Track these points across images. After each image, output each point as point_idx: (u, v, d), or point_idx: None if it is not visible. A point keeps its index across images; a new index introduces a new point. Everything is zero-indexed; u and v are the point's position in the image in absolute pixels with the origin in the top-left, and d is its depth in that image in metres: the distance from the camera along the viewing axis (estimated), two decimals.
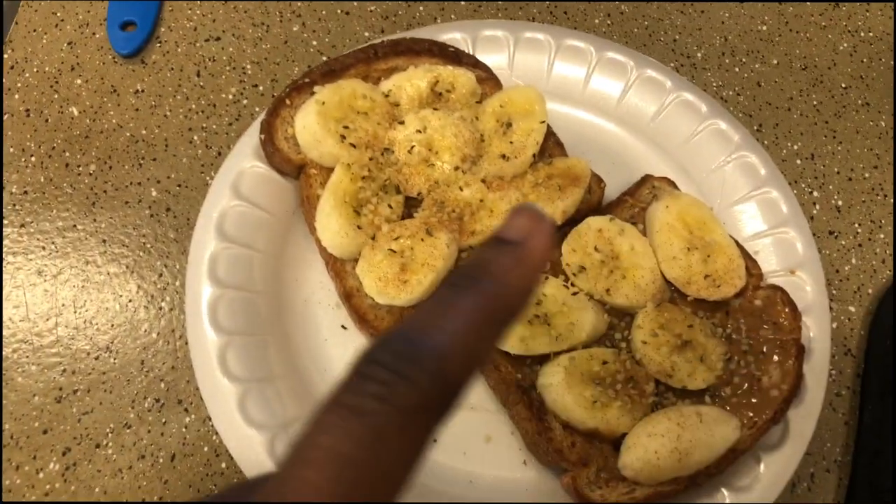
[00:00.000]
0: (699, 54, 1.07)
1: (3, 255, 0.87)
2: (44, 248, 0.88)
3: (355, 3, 1.07)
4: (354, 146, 0.84)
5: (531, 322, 0.78)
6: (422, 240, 0.80)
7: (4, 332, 0.83)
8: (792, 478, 0.78)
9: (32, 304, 0.85)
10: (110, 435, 0.79)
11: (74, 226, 0.89)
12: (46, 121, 0.95)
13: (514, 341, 0.77)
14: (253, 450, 0.73)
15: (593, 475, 0.75)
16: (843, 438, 0.84)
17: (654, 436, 0.73)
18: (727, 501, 0.75)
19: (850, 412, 0.85)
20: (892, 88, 1.06)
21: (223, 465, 0.79)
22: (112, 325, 0.84)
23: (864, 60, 1.08)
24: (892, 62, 1.08)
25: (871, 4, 1.12)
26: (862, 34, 1.10)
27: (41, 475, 0.77)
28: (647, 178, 0.91)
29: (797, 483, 0.81)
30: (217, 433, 0.79)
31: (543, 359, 0.78)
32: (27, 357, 0.82)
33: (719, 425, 0.74)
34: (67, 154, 0.93)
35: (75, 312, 0.85)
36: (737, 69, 1.06)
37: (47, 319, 0.84)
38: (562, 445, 0.75)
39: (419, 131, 0.86)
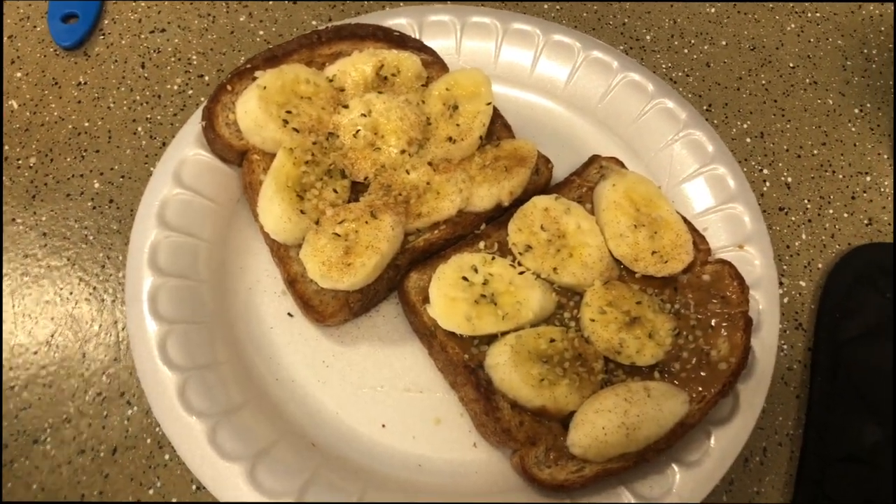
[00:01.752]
0: (648, 37, 1.07)
1: None
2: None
3: None
4: (297, 131, 0.83)
5: (478, 302, 0.77)
6: (366, 223, 0.79)
7: None
8: (744, 452, 0.77)
9: None
10: (48, 430, 0.77)
11: (13, 219, 0.87)
12: None
13: (461, 321, 0.76)
14: (194, 438, 0.72)
15: (542, 454, 0.74)
16: (795, 412, 0.83)
17: (601, 412, 0.72)
18: (677, 476, 0.74)
19: (802, 386, 0.85)
20: (839, 67, 1.07)
21: (166, 456, 0.77)
22: (52, 319, 0.82)
23: (812, 40, 1.09)
24: (839, 41, 1.09)
25: None
26: (809, 14, 1.11)
27: None
28: (594, 159, 0.90)
29: (749, 458, 0.80)
30: (160, 425, 0.78)
31: (491, 339, 0.77)
32: None
33: (667, 400, 0.73)
34: (7, 147, 0.91)
35: (13, 307, 0.82)
36: (686, 51, 1.06)
37: None
38: (510, 425, 0.74)
39: (364, 115, 0.85)
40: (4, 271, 0.84)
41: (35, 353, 0.81)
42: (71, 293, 0.84)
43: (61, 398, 0.79)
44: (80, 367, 0.80)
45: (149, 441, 0.78)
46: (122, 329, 0.83)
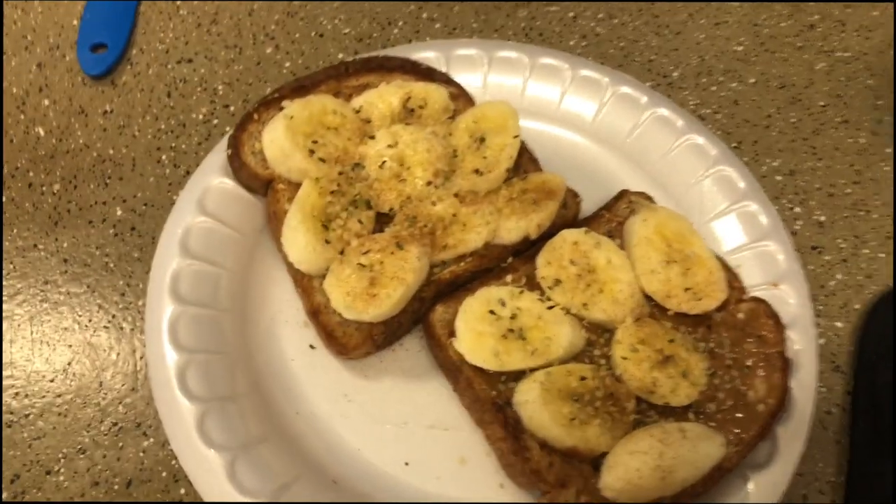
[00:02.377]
0: (675, 74, 1.06)
1: None
2: (1, 268, 0.85)
3: (329, 26, 1.06)
4: (323, 161, 0.82)
5: (505, 336, 0.75)
6: (392, 253, 0.77)
7: None
8: (783, 500, 0.74)
9: None
10: (62, 461, 0.75)
11: (35, 245, 0.87)
12: (11, 141, 0.93)
13: (489, 356, 0.74)
14: (212, 472, 0.69)
15: (573, 497, 0.71)
16: (836, 458, 0.80)
17: (635, 454, 0.69)
18: None
19: (842, 431, 0.81)
20: (870, 106, 1.05)
21: (182, 490, 0.74)
22: (70, 346, 0.81)
23: (842, 79, 1.08)
24: (869, 81, 1.08)
25: (846, 26, 1.12)
26: (838, 54, 1.10)
27: None
28: (624, 193, 0.89)
29: None
30: (176, 458, 0.75)
31: (519, 375, 0.75)
32: None
33: (703, 442, 0.70)
34: (31, 174, 0.91)
35: (32, 333, 0.81)
36: (713, 88, 1.05)
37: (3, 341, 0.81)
38: (539, 466, 0.71)
39: (390, 146, 0.84)
40: (24, 297, 0.83)
41: (51, 380, 0.79)
42: (90, 320, 0.83)
43: (76, 427, 0.77)
44: (97, 396, 0.79)
45: (164, 474, 0.75)
46: (140, 358, 0.81)
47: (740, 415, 0.74)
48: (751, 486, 0.72)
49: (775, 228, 0.87)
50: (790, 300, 0.82)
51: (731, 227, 0.89)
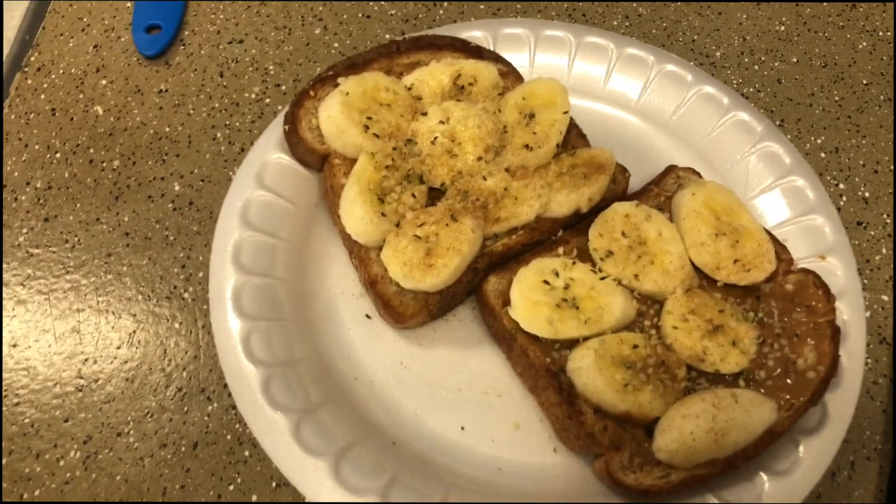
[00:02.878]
0: (718, 53, 1.07)
1: (28, 249, 0.87)
2: (66, 241, 0.88)
3: (376, 7, 1.08)
4: (378, 136, 0.84)
5: (559, 306, 0.76)
6: (447, 225, 0.79)
7: (27, 323, 0.82)
8: (832, 466, 0.75)
9: (55, 296, 0.84)
10: (131, 423, 0.78)
11: (98, 219, 0.89)
12: (71, 119, 0.96)
13: (543, 324, 0.76)
14: (278, 433, 0.72)
15: (627, 459, 0.73)
16: (882, 426, 0.81)
17: (688, 417, 0.71)
18: (766, 485, 0.72)
19: (888, 401, 0.82)
20: None
21: (246, 452, 0.77)
22: (134, 316, 0.84)
23: (885, 58, 1.08)
24: None
25: (888, 5, 1.13)
26: (881, 33, 1.10)
27: (62, 463, 0.75)
28: (671, 168, 0.90)
29: (837, 472, 0.78)
30: (240, 421, 0.78)
31: (572, 344, 0.77)
32: (49, 347, 0.81)
33: (755, 407, 0.72)
34: (91, 150, 0.94)
35: (98, 303, 0.84)
36: (756, 67, 1.06)
37: (70, 311, 0.83)
38: (593, 429, 0.73)
39: (442, 122, 0.86)
40: (89, 269, 0.86)
41: (118, 347, 0.82)
42: (153, 291, 0.85)
43: (143, 392, 0.80)
44: (161, 362, 0.81)
45: (229, 437, 0.78)
46: (202, 328, 0.84)
47: (790, 381, 0.76)
48: (801, 449, 0.74)
49: (822, 202, 0.88)
50: (838, 272, 0.83)
51: (777, 202, 0.90)
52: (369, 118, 0.85)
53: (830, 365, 0.75)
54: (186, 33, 1.04)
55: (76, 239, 0.88)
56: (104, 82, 0.99)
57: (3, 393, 0.79)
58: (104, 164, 0.93)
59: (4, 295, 0.84)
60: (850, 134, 1.01)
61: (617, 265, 0.80)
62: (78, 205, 0.90)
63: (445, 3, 1.09)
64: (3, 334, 0.82)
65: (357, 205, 0.80)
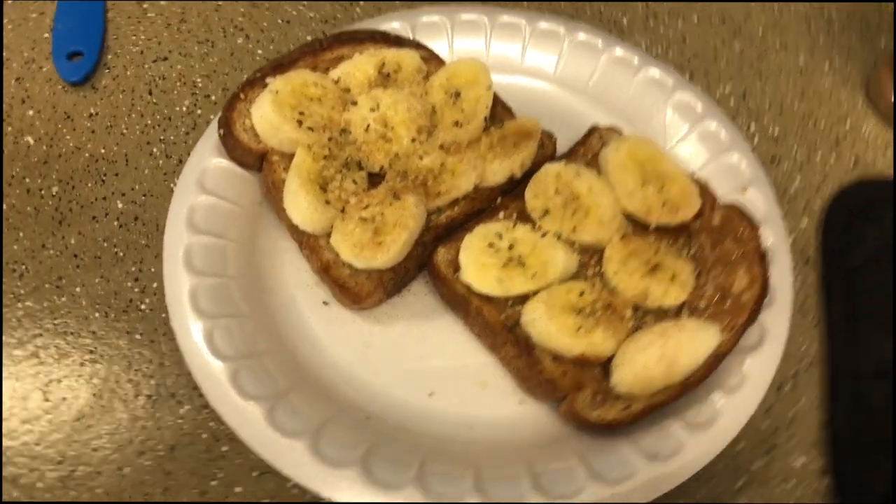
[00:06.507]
0: (625, 20, 1.14)
1: None
2: (14, 270, 0.88)
3: (294, 11, 1.11)
4: (312, 129, 0.87)
5: (506, 265, 0.80)
6: (390, 204, 0.82)
7: None
8: (777, 379, 0.81)
9: (10, 325, 0.84)
10: (105, 437, 0.78)
11: (43, 245, 0.90)
12: (1, 153, 0.96)
13: (493, 284, 0.79)
14: (253, 422, 0.73)
15: (589, 398, 0.77)
16: (817, 339, 0.87)
17: (640, 350, 0.76)
18: (720, 402, 0.77)
19: (819, 314, 0.89)
20: (804, 31, 1.14)
21: (224, 448, 0.78)
22: (93, 333, 0.84)
23: (775, 10, 1.16)
24: (801, 8, 1.16)
25: None
26: None
27: (40, 485, 0.75)
28: (594, 129, 0.95)
29: (782, 384, 0.84)
30: (214, 419, 0.80)
31: (523, 299, 0.80)
32: (10, 374, 0.81)
33: (699, 332, 0.77)
34: (27, 180, 0.94)
35: (54, 325, 0.84)
36: (661, 29, 1.13)
37: (27, 337, 0.84)
38: (554, 375, 0.77)
39: (373, 110, 0.89)
40: (41, 294, 0.86)
41: (81, 365, 0.82)
42: (109, 307, 0.86)
43: (113, 405, 0.80)
44: (128, 374, 0.82)
45: (205, 436, 0.79)
46: (164, 335, 0.85)
47: (728, 306, 0.81)
48: (746, 365, 0.79)
49: (735, 141, 0.94)
50: (758, 203, 0.90)
51: (695, 147, 0.96)
52: (301, 113, 0.87)
53: (762, 286, 0.81)
54: (109, 57, 1.05)
55: (24, 267, 0.88)
56: (31, 112, 0.99)
57: None
58: (42, 192, 0.93)
59: None
60: (753, 80, 1.08)
61: (554, 221, 0.85)
62: (21, 234, 0.90)
63: (361, 3, 1.13)
64: None
65: (300, 196, 0.82)
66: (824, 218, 0.95)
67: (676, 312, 0.82)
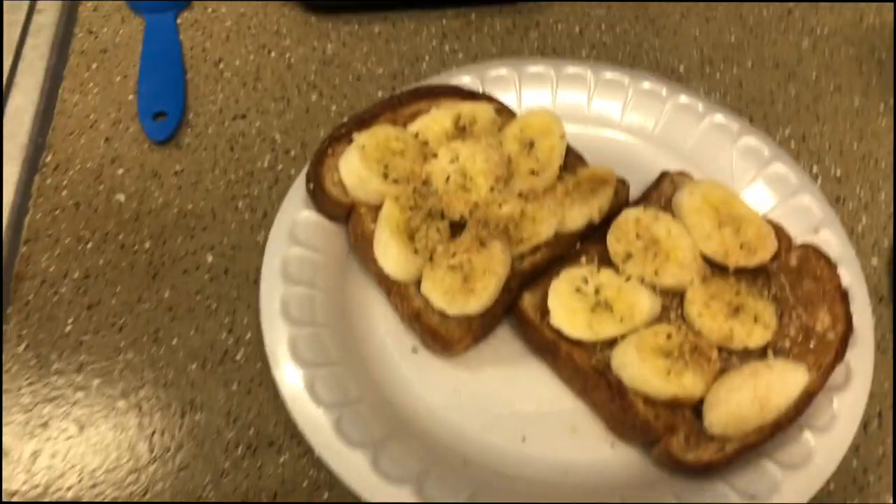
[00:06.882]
0: (681, 68, 1.17)
1: (77, 337, 0.90)
2: (113, 323, 0.91)
3: (363, 69, 1.16)
4: (397, 182, 0.91)
5: (594, 309, 0.83)
6: (477, 251, 0.86)
7: (89, 407, 0.85)
8: (863, 418, 0.82)
9: (112, 377, 0.87)
10: (209, 486, 0.81)
11: (139, 299, 0.93)
12: (96, 210, 1.00)
13: (584, 329, 0.82)
14: (358, 468, 0.76)
15: (683, 440, 0.78)
16: None
17: (732, 390, 0.78)
18: (812, 443, 0.78)
19: None
20: (856, 72, 1.18)
21: (325, 495, 0.80)
22: (192, 384, 0.87)
23: (826, 53, 1.20)
24: (851, 50, 1.20)
25: (820, 5, 1.25)
26: (818, 31, 1.23)
27: None
28: (665, 175, 0.98)
29: (868, 423, 0.85)
30: (314, 466, 0.82)
31: (611, 343, 0.83)
32: (116, 425, 0.84)
33: (789, 371, 0.79)
34: (121, 236, 0.98)
35: (154, 376, 0.87)
36: (717, 75, 1.17)
37: (129, 389, 0.87)
38: (647, 418, 0.79)
39: (452, 161, 0.93)
40: (139, 346, 0.89)
41: (182, 415, 0.85)
42: (206, 358, 0.89)
43: (215, 454, 0.83)
44: (227, 423, 0.85)
45: (305, 484, 0.81)
46: (260, 385, 0.87)
47: (814, 345, 0.83)
48: (835, 405, 0.81)
49: (804, 183, 0.97)
50: (831, 242, 0.92)
51: (763, 190, 0.99)
52: (386, 166, 0.91)
53: (846, 323, 0.83)
54: (191, 115, 1.10)
55: (122, 321, 0.91)
56: (121, 171, 1.04)
57: (80, 477, 0.81)
58: (136, 247, 0.97)
59: (63, 383, 0.86)
60: (812, 122, 1.11)
61: (637, 265, 0.87)
62: (118, 288, 0.94)
63: (427, 58, 1.18)
64: (70, 420, 0.84)
65: (391, 246, 0.85)
66: (894, 256, 0.97)
67: (762, 353, 0.83)
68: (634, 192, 0.98)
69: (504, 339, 0.90)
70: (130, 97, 1.11)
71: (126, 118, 1.09)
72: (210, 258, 0.97)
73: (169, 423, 0.84)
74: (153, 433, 0.84)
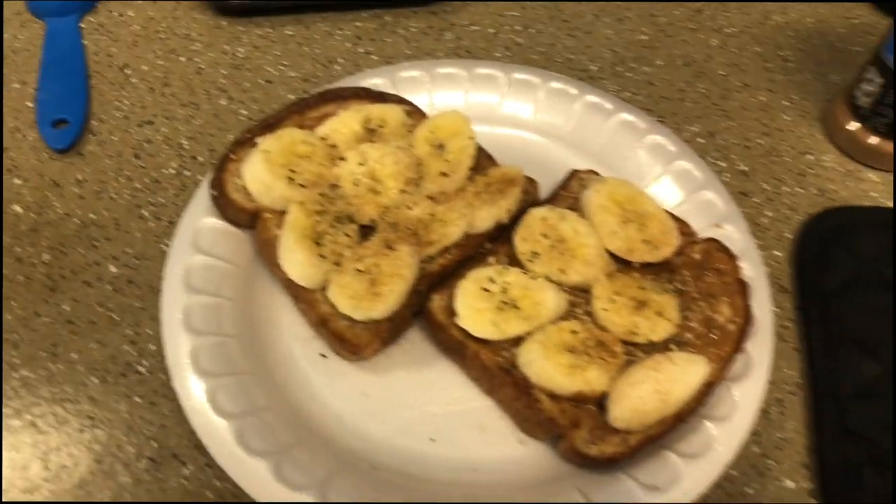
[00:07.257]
0: (594, 67, 1.19)
1: None
2: (7, 339, 0.88)
3: (275, 72, 1.14)
4: (303, 186, 0.89)
5: (500, 309, 0.83)
6: (385, 255, 0.85)
7: None
8: (763, 405, 0.83)
9: (6, 395, 0.84)
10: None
11: (36, 313, 0.90)
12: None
13: (489, 327, 0.82)
14: (260, 477, 0.74)
15: (587, 434, 0.79)
16: (798, 364, 0.91)
17: (635, 384, 0.78)
18: (712, 432, 0.80)
19: (798, 340, 0.93)
20: (762, 69, 1.21)
21: None
22: (92, 399, 0.84)
23: (734, 51, 1.23)
24: (757, 48, 1.23)
25: (728, 5, 1.29)
26: (726, 31, 1.25)
27: None
28: (574, 173, 0.99)
29: (768, 410, 0.87)
30: (218, 477, 0.80)
31: (517, 341, 0.83)
32: (9, 444, 0.81)
33: (689, 364, 0.80)
34: (18, 249, 0.95)
35: (51, 393, 0.84)
36: (629, 74, 1.18)
37: (24, 407, 0.83)
38: (553, 413, 0.79)
39: (361, 164, 0.92)
40: (37, 362, 0.86)
41: (81, 431, 0.82)
42: (107, 371, 0.86)
43: (116, 470, 0.80)
44: (128, 437, 0.82)
45: (210, 494, 0.79)
46: (163, 396, 0.85)
47: (715, 337, 0.84)
48: (735, 395, 0.82)
49: (709, 179, 0.99)
50: (734, 236, 0.94)
51: (670, 186, 1.00)
52: (292, 171, 0.90)
53: (745, 315, 0.85)
54: (94, 123, 1.07)
55: (18, 336, 0.88)
56: (18, 181, 1.00)
57: None
58: (33, 260, 0.94)
59: None
60: (719, 119, 1.14)
61: (543, 264, 0.88)
62: (13, 303, 0.90)
63: (340, 60, 1.17)
64: None
65: (296, 252, 0.84)
66: (796, 247, 0.99)
67: (665, 346, 0.85)
68: (545, 190, 0.99)
69: (414, 341, 0.90)
70: (29, 104, 1.07)
71: (24, 126, 1.06)
72: (113, 269, 0.94)
73: (66, 440, 0.82)
74: (48, 451, 0.81)
